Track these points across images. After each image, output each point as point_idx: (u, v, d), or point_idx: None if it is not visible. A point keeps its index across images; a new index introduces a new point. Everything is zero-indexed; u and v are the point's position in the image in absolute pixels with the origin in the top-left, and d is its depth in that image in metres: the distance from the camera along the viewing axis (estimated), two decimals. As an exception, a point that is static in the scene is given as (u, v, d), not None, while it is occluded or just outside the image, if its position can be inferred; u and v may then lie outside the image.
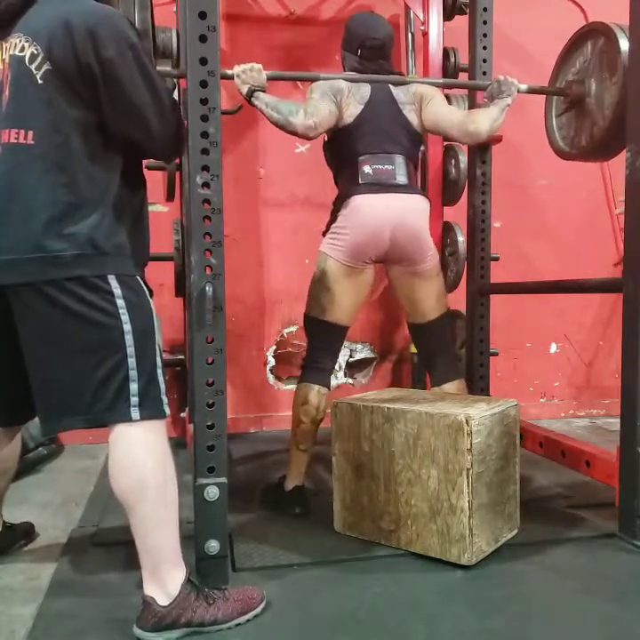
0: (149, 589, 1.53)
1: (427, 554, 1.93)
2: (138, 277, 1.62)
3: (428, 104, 2.36)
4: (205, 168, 1.72)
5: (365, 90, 2.32)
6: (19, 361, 1.58)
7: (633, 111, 2.01)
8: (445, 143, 3.38)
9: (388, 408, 2.00)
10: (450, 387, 2.45)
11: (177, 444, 3.32)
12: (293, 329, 3.68)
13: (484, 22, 2.78)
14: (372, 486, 2.04)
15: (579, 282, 2.54)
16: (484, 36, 2.78)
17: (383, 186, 2.29)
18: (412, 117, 2.36)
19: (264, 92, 2.09)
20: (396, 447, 1.98)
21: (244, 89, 2.08)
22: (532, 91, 2.46)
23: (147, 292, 1.63)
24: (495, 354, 2.95)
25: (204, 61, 1.70)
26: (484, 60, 2.79)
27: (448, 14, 3.37)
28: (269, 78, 2.11)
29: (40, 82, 1.49)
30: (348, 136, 2.32)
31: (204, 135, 1.71)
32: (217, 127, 1.72)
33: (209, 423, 1.74)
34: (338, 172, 2.44)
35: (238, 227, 3.49)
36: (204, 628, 1.55)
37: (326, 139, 2.42)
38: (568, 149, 2.58)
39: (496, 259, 2.92)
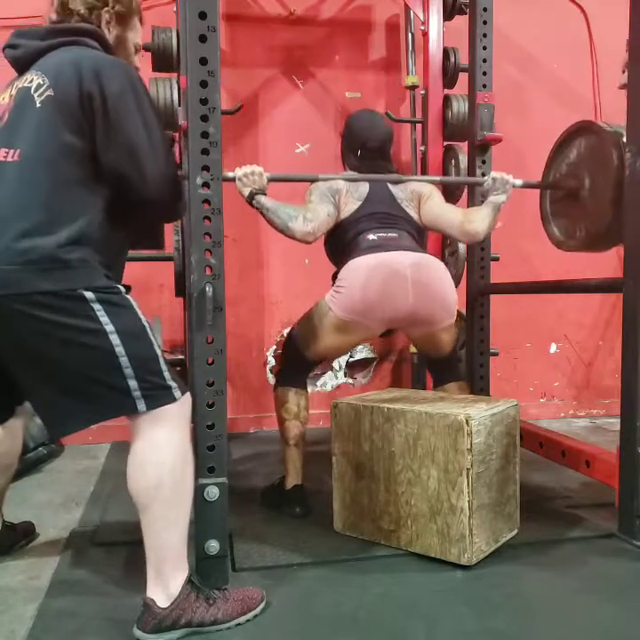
0: (151, 591, 1.54)
1: (427, 554, 1.93)
2: (113, 284, 1.58)
3: (427, 202, 2.38)
4: (205, 168, 1.72)
5: (363, 188, 2.35)
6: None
7: (633, 112, 2.02)
8: (445, 143, 3.39)
9: (387, 408, 2.00)
10: (450, 387, 2.45)
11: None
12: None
13: (484, 22, 2.78)
14: (371, 486, 2.04)
15: (579, 282, 2.54)
16: (484, 36, 2.78)
17: (390, 246, 2.23)
18: (412, 213, 2.38)
19: (265, 194, 2.11)
20: (396, 447, 1.98)
21: (246, 192, 2.10)
22: (527, 185, 2.48)
23: (124, 292, 1.59)
24: (495, 354, 2.95)
25: (204, 61, 1.70)
26: (484, 60, 2.79)
27: (448, 14, 3.38)
28: (270, 180, 2.13)
29: (38, 105, 1.54)
30: (346, 226, 2.31)
31: (204, 135, 1.71)
32: (217, 127, 1.72)
33: (209, 423, 1.74)
34: (339, 257, 2.33)
35: (238, 227, 3.49)
36: (204, 628, 1.56)
37: (326, 235, 2.38)
38: (565, 240, 2.60)
39: (496, 259, 2.92)
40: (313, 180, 2.32)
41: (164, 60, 2.99)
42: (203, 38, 1.70)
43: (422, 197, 2.39)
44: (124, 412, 1.54)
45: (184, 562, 1.58)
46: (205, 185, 1.72)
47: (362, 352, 3.79)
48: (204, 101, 1.71)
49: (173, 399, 1.56)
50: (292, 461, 2.35)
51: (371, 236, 2.27)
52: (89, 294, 1.49)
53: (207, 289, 1.70)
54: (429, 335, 2.35)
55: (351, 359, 3.79)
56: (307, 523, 2.23)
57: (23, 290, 1.45)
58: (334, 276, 2.33)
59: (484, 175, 2.84)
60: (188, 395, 1.63)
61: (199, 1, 1.69)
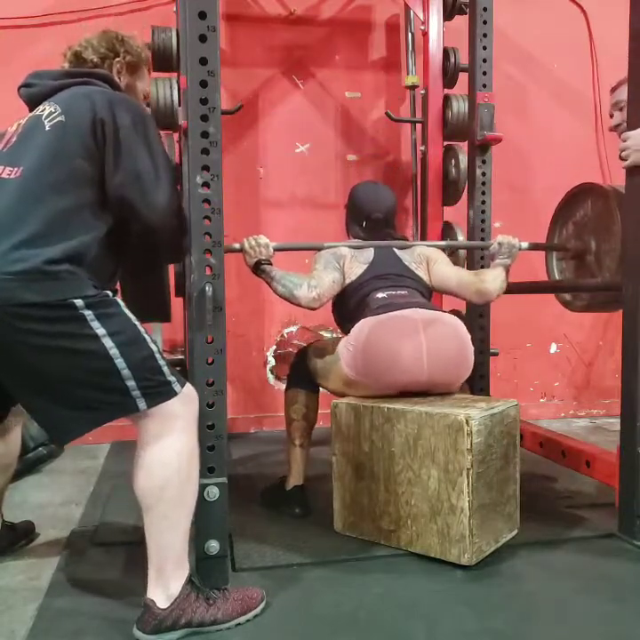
0: (151, 592, 1.54)
1: (427, 554, 1.93)
2: (101, 291, 1.57)
3: (436, 264, 2.38)
4: (205, 168, 1.72)
5: (368, 253, 2.35)
6: None
7: (633, 111, 2.02)
8: (445, 143, 3.38)
9: (387, 408, 2.00)
10: None
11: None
12: (293, 329, 3.68)
13: (484, 22, 2.78)
14: (372, 486, 2.04)
15: (579, 282, 2.54)
16: (484, 35, 2.78)
17: (400, 305, 2.16)
18: (421, 273, 2.36)
19: (271, 263, 2.15)
20: (396, 447, 1.98)
21: (252, 262, 2.14)
22: (533, 248, 2.50)
23: (112, 297, 1.59)
24: (495, 354, 2.95)
25: (204, 61, 1.70)
26: (484, 60, 2.79)
27: (448, 14, 3.37)
28: (276, 249, 2.16)
29: (47, 128, 1.60)
30: (353, 290, 2.29)
31: (204, 135, 1.71)
32: (217, 127, 1.72)
33: (209, 423, 1.74)
34: (348, 320, 2.25)
35: (238, 227, 3.48)
36: (203, 628, 1.56)
37: (333, 300, 2.38)
38: (572, 301, 2.62)
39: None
40: (318, 249, 2.36)
41: (164, 60, 2.99)
42: (203, 38, 1.70)
43: (430, 260, 2.40)
44: (125, 413, 1.54)
45: (185, 562, 1.59)
46: (205, 185, 1.72)
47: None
48: (204, 101, 1.71)
49: (174, 393, 1.56)
50: (295, 462, 2.35)
51: (380, 295, 2.23)
52: (79, 302, 1.48)
53: (207, 289, 1.70)
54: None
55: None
56: (307, 523, 2.23)
57: (13, 301, 1.44)
58: (347, 330, 2.25)
59: (484, 175, 2.85)
60: (193, 393, 1.63)
61: (199, 1, 1.69)
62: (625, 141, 2.00)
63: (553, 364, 4.02)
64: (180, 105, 2.80)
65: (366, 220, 2.46)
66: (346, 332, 2.26)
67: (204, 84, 1.70)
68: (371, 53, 3.74)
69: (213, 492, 1.72)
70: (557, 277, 2.74)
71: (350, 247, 2.36)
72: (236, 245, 2.07)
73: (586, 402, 4.06)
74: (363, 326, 2.13)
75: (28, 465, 2.83)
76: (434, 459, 1.90)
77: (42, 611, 1.68)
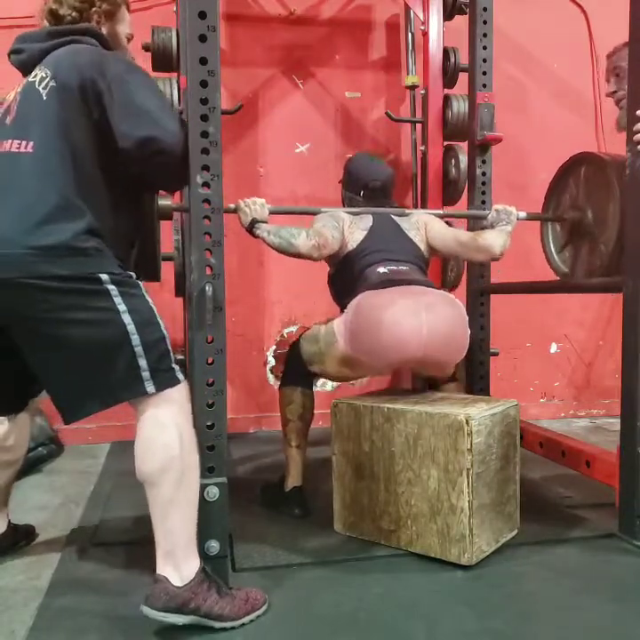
0: (164, 570, 1.54)
1: (427, 554, 1.93)
2: (125, 271, 1.66)
3: (434, 229, 2.38)
4: (205, 168, 1.71)
5: (367, 220, 2.34)
6: (13, 353, 1.65)
7: (633, 113, 2.01)
8: (445, 143, 3.38)
9: (387, 408, 2.00)
10: (446, 388, 2.43)
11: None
12: (293, 329, 3.68)
13: (484, 22, 2.78)
14: (372, 486, 2.04)
15: (579, 282, 2.54)
16: (484, 35, 2.78)
17: (401, 281, 2.15)
18: (418, 241, 2.36)
19: (266, 223, 2.12)
20: (396, 447, 1.98)
21: (247, 221, 2.12)
22: (530, 217, 2.49)
23: (135, 278, 1.67)
24: (495, 354, 2.95)
25: (204, 61, 1.70)
26: (484, 60, 2.79)
27: (448, 14, 3.37)
28: (272, 212, 2.14)
29: (44, 98, 1.62)
30: (353, 260, 2.27)
31: (204, 135, 1.71)
32: (217, 127, 1.72)
33: (209, 423, 1.74)
34: (347, 294, 2.21)
35: (238, 226, 3.48)
36: (208, 621, 1.54)
37: (331, 271, 2.39)
38: (569, 274, 2.60)
39: (496, 259, 2.91)
40: (315, 213, 2.32)
41: (163, 60, 2.99)
42: (203, 38, 1.70)
43: (428, 224, 2.39)
44: (134, 394, 1.58)
45: (194, 550, 1.59)
46: (205, 184, 1.72)
47: (362, 352, 3.79)
48: (204, 101, 1.70)
49: (178, 381, 1.62)
50: (293, 462, 2.34)
51: (381, 269, 2.21)
52: (105, 277, 1.56)
53: (207, 288, 1.70)
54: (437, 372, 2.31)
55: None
56: (307, 523, 2.23)
57: (38, 274, 1.50)
58: (344, 305, 2.22)
59: (484, 175, 2.85)
60: (187, 385, 1.68)
61: (199, 1, 1.69)
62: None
63: (553, 364, 4.02)
64: (180, 105, 2.80)
65: (364, 188, 2.43)
66: (343, 306, 2.22)
67: (204, 83, 1.70)
68: (371, 53, 3.74)
69: (213, 492, 1.72)
70: (553, 249, 2.71)
71: (349, 213, 2.33)
72: (232, 205, 2.07)
73: (586, 402, 4.06)
74: (362, 301, 2.10)
75: (27, 465, 2.82)
76: (434, 459, 1.90)
77: (42, 610, 1.68)
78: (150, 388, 1.57)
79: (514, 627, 1.60)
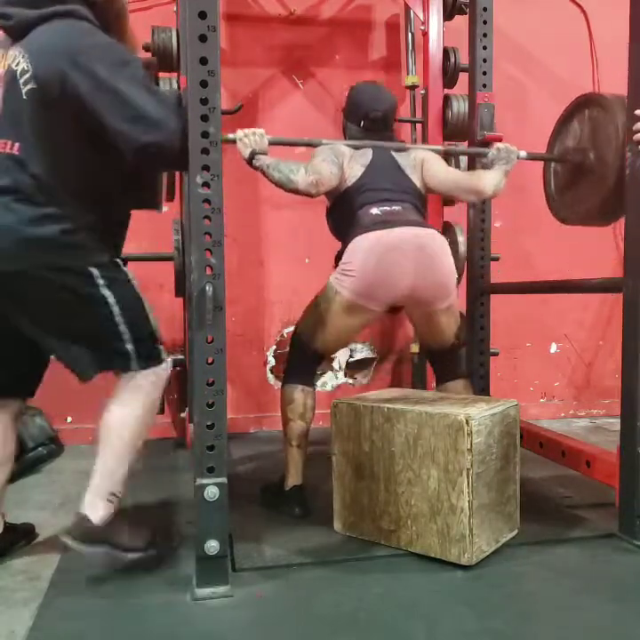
0: (86, 508, 1.79)
1: (427, 554, 1.93)
2: (113, 259, 1.83)
3: (431, 168, 2.38)
4: (205, 168, 1.71)
5: (367, 155, 2.33)
6: (17, 339, 1.84)
7: (633, 113, 2.01)
8: (445, 143, 3.38)
9: (387, 408, 2.00)
10: (454, 385, 2.44)
11: (177, 444, 3.33)
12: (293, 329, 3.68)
13: (484, 22, 2.78)
14: (372, 486, 2.04)
15: (579, 282, 2.54)
16: (484, 35, 2.78)
17: (394, 222, 2.20)
18: (416, 180, 2.36)
19: (265, 155, 2.11)
20: (396, 447, 1.98)
21: (246, 152, 2.11)
22: (532, 157, 2.48)
23: (122, 266, 1.85)
24: (495, 354, 2.95)
25: (204, 61, 1.70)
26: (484, 60, 2.79)
27: (448, 14, 3.37)
28: (271, 143, 2.13)
29: (25, 98, 1.66)
30: (350, 196, 2.29)
31: (204, 135, 1.71)
32: (217, 127, 1.72)
33: (209, 423, 1.74)
34: (342, 232, 2.31)
35: (238, 226, 3.49)
36: (117, 552, 1.80)
37: (328, 205, 2.40)
38: (569, 215, 2.59)
39: (496, 259, 2.92)
40: (316, 145, 2.30)
41: (164, 60, 2.99)
42: (203, 38, 1.69)
43: (425, 162, 2.39)
44: (120, 367, 1.81)
45: (120, 489, 1.83)
46: (205, 184, 1.72)
47: (362, 352, 3.79)
48: (204, 101, 1.70)
49: (161, 361, 1.84)
50: (293, 462, 2.34)
51: (374, 211, 2.24)
52: (94, 270, 1.74)
53: (207, 288, 1.70)
54: (428, 316, 2.33)
55: (351, 359, 3.79)
56: (307, 523, 2.23)
57: (40, 263, 1.69)
58: (337, 258, 2.30)
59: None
60: (169, 363, 1.90)
61: (199, 1, 1.69)
62: None
63: (553, 364, 4.02)
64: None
65: (364, 118, 2.40)
66: (340, 241, 2.32)
67: (204, 84, 1.70)
68: (371, 53, 3.74)
69: (213, 492, 1.72)
70: (553, 190, 2.70)
71: (348, 145, 2.32)
72: (231, 135, 2.07)
73: (586, 402, 4.06)
74: (358, 246, 2.19)
75: (27, 465, 2.83)
76: (434, 459, 1.90)
77: (42, 611, 1.68)
78: (134, 365, 1.80)
79: (514, 627, 1.60)
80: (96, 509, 1.79)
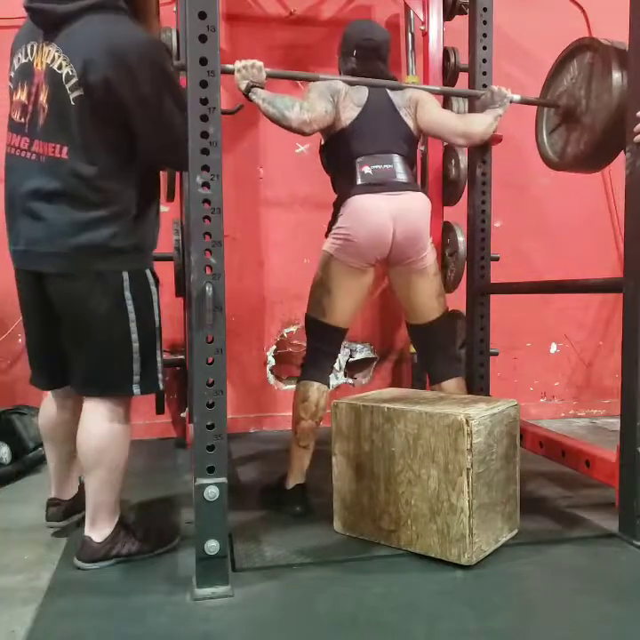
0: (88, 531, 1.88)
1: (427, 554, 1.93)
2: (147, 271, 1.89)
3: (425, 107, 2.39)
4: (205, 168, 1.71)
5: (363, 93, 2.34)
6: (55, 332, 1.90)
7: (633, 113, 2.01)
8: (445, 143, 3.38)
9: (388, 408, 2.00)
10: (448, 384, 2.44)
11: (177, 444, 3.33)
12: (293, 329, 3.68)
13: (484, 22, 2.78)
14: (372, 486, 2.04)
15: (579, 282, 2.54)
16: (484, 35, 2.79)
17: (384, 185, 2.28)
18: (409, 120, 2.38)
19: (262, 88, 2.14)
20: (396, 447, 1.98)
21: (243, 84, 2.14)
22: (524, 102, 2.50)
23: (152, 283, 1.90)
24: (495, 354, 2.95)
25: (204, 61, 1.70)
26: (484, 60, 2.79)
27: (448, 14, 3.37)
28: (269, 76, 2.16)
29: (73, 103, 1.70)
30: (345, 139, 2.32)
31: (204, 135, 1.70)
32: (217, 127, 1.71)
33: (209, 423, 1.74)
34: (335, 176, 2.44)
35: (238, 226, 3.49)
36: (131, 558, 1.90)
37: (323, 142, 2.43)
38: (557, 160, 2.59)
39: (496, 259, 2.92)
40: (313, 80, 2.32)
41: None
42: (203, 38, 1.69)
43: (420, 102, 2.39)
44: (122, 392, 1.85)
45: (115, 510, 1.91)
46: (205, 185, 1.72)
47: (362, 352, 3.79)
48: (204, 101, 1.70)
49: (158, 389, 1.90)
50: (298, 461, 2.34)
51: (366, 170, 2.28)
52: (125, 279, 1.81)
53: (207, 289, 1.70)
54: (407, 281, 2.40)
55: (351, 359, 3.79)
56: (307, 523, 2.23)
57: (82, 270, 1.76)
58: (331, 224, 2.36)
59: (484, 175, 2.85)
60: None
61: (199, 1, 1.69)
62: None
63: (553, 364, 4.02)
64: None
65: (357, 47, 2.41)
66: (332, 183, 2.44)
67: (203, 84, 1.70)
68: (371, 53, 3.73)
69: (213, 492, 1.72)
70: (545, 135, 2.71)
71: (345, 81, 2.33)
72: (229, 66, 2.09)
73: (586, 402, 4.06)
74: (351, 212, 2.26)
75: (27, 465, 2.83)
76: (434, 459, 1.90)
77: (42, 611, 1.68)
78: (137, 390, 1.86)
79: (514, 627, 1.60)
80: (97, 530, 1.88)
